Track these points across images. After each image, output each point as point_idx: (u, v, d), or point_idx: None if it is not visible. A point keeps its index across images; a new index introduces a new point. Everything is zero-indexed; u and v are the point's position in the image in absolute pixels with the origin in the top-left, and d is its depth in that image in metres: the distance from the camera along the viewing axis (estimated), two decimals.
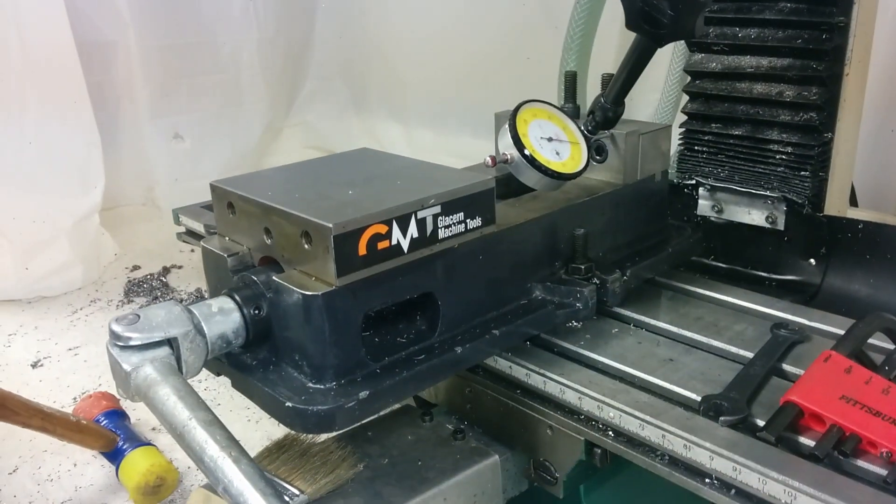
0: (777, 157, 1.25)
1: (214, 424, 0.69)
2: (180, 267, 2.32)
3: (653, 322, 1.05)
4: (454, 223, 0.88)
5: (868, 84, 1.27)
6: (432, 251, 0.87)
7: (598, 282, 1.03)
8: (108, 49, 2.70)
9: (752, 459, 0.73)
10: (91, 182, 2.27)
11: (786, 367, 0.91)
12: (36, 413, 1.20)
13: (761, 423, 0.79)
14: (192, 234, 1.80)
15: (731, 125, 1.30)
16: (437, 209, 0.86)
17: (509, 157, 0.99)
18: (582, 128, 1.06)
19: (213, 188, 0.96)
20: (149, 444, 1.33)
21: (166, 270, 2.29)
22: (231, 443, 0.68)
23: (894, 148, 1.76)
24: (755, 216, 1.32)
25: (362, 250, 0.80)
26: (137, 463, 1.26)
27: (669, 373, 0.91)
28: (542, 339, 1.01)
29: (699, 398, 0.84)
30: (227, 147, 3.01)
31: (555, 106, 1.06)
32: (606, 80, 1.09)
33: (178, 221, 1.80)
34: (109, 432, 1.32)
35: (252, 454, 0.71)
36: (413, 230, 0.84)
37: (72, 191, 2.21)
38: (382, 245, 0.82)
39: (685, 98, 1.37)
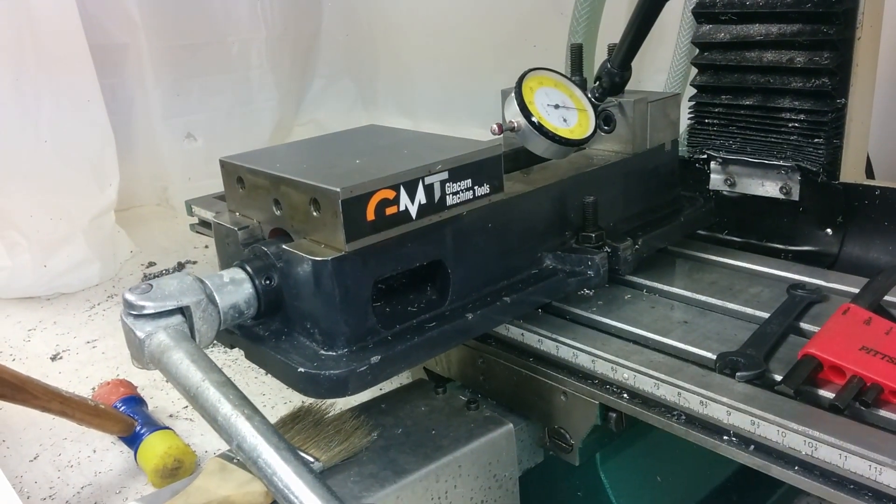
0: (790, 125, 1.23)
1: (227, 385, 0.70)
2: (195, 262, 2.34)
3: (666, 288, 1.04)
4: (462, 190, 0.88)
5: (882, 52, 1.25)
6: (441, 218, 0.86)
7: (609, 250, 1.02)
8: (120, 52, 2.73)
9: (771, 412, 0.71)
10: (106, 180, 2.29)
11: (803, 325, 0.90)
12: (55, 397, 1.21)
13: (779, 378, 0.78)
14: (205, 225, 1.80)
15: (741, 95, 1.28)
16: (445, 175, 0.86)
17: (516, 124, 0.99)
18: (589, 95, 1.06)
19: (223, 164, 0.97)
20: (166, 428, 1.34)
21: (181, 266, 2.31)
22: (244, 402, 0.68)
23: None
24: (769, 187, 1.30)
25: (370, 216, 0.80)
26: (155, 446, 1.27)
27: (684, 334, 0.90)
28: (554, 307, 1.01)
29: (715, 356, 0.83)
30: (238, 146, 3.01)
31: (561, 73, 1.05)
32: (612, 49, 1.08)
33: (190, 213, 1.81)
34: (127, 417, 1.33)
35: None
36: (421, 196, 0.84)
37: (87, 189, 2.24)
38: (391, 211, 0.82)
39: (694, 72, 1.36)
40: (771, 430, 0.71)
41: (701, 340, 0.88)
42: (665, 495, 1.02)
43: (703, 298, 1.00)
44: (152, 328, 0.76)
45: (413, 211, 0.84)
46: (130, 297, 0.77)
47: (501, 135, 1.00)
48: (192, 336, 0.79)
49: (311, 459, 0.83)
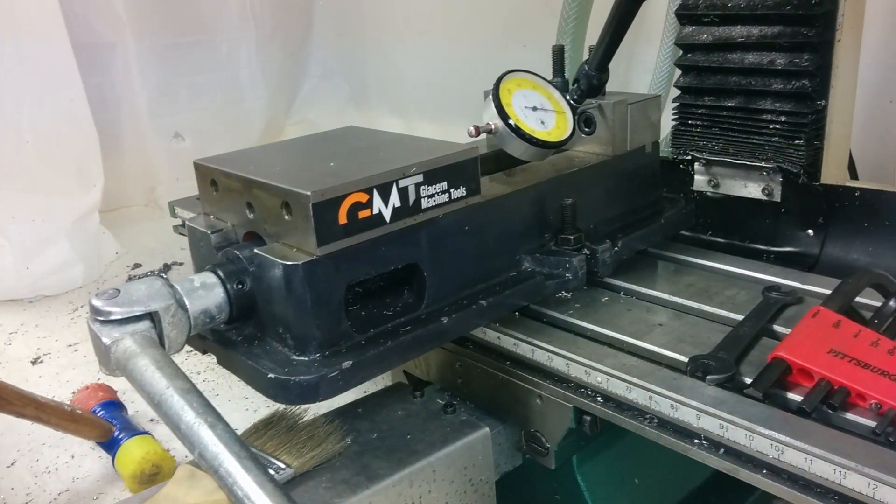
0: (771, 126, 1.23)
1: (192, 392, 0.69)
2: (181, 264, 2.32)
3: (644, 290, 1.03)
4: (438, 193, 0.87)
5: (864, 54, 1.24)
6: (416, 221, 0.86)
7: (588, 252, 1.01)
8: (107, 50, 2.71)
9: (739, 416, 0.71)
10: (90, 180, 2.28)
11: (776, 327, 0.90)
12: (30, 402, 1.19)
13: (749, 381, 0.77)
14: None
15: (723, 97, 1.28)
16: (420, 178, 0.85)
17: (494, 126, 0.98)
18: (568, 98, 1.05)
19: (197, 166, 0.96)
20: (145, 433, 1.33)
21: (167, 267, 2.29)
22: (207, 409, 0.67)
23: (894, 118, 1.73)
24: (751, 189, 1.30)
25: (343, 219, 0.79)
26: (133, 451, 1.26)
27: (659, 337, 0.90)
28: (532, 310, 1.00)
29: (687, 359, 0.83)
30: (228, 146, 2.99)
31: (539, 76, 1.05)
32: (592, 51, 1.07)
33: (174, 214, 1.80)
34: (105, 422, 1.31)
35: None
36: (395, 199, 0.83)
37: (71, 190, 2.22)
38: (364, 214, 0.81)
39: (678, 73, 1.36)
40: (739, 434, 0.71)
41: (675, 343, 0.88)
42: (642, 498, 1.02)
43: (680, 301, 0.99)
44: (119, 334, 0.75)
45: (387, 214, 0.83)
46: (97, 302, 0.77)
47: (478, 137, 1.00)
48: (161, 342, 0.78)
49: (283, 466, 0.83)
